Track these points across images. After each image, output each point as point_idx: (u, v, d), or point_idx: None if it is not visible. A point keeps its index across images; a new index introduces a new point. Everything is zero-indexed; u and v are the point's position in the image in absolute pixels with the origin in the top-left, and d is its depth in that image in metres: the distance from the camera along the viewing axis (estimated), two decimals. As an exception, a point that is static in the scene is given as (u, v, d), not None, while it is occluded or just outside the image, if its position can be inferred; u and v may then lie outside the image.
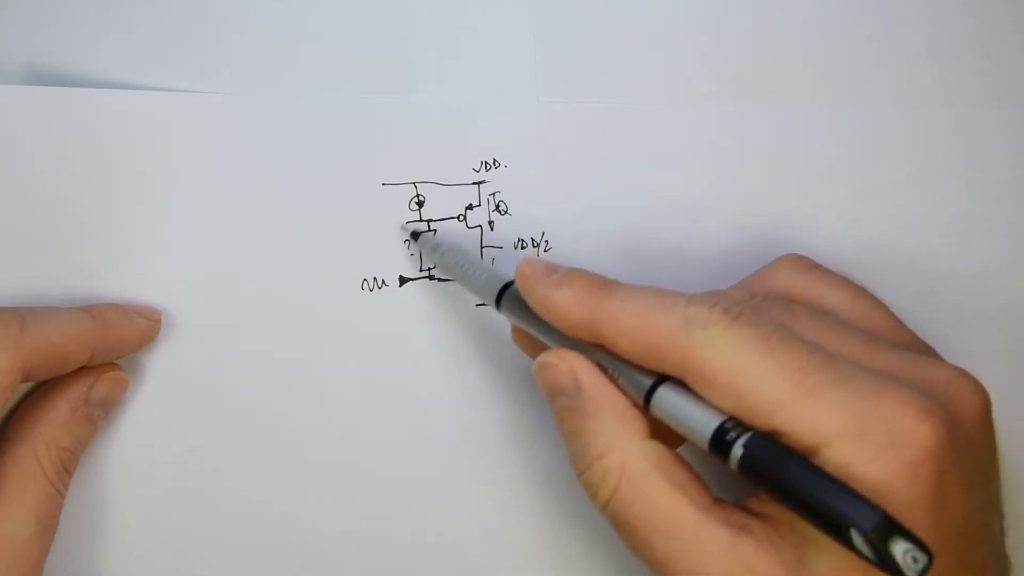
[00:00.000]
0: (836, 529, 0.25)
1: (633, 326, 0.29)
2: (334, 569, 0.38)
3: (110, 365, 0.36)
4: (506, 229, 0.38)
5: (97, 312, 0.35)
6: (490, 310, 0.38)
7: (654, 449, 0.29)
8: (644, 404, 0.29)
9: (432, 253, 0.36)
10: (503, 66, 0.38)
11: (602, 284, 0.30)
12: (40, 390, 0.35)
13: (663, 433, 0.30)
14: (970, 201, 0.39)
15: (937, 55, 0.39)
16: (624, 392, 0.30)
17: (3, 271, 0.36)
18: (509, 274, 0.33)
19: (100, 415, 0.36)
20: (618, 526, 0.29)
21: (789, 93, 0.39)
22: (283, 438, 0.37)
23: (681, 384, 0.29)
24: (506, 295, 0.33)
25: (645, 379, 0.29)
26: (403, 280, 0.38)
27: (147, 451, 0.37)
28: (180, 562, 0.37)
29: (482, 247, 0.38)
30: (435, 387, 0.38)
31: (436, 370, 0.38)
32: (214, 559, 0.37)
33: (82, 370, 0.35)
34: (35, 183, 0.36)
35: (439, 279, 0.38)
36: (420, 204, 0.38)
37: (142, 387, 0.37)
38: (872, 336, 0.30)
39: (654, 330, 0.29)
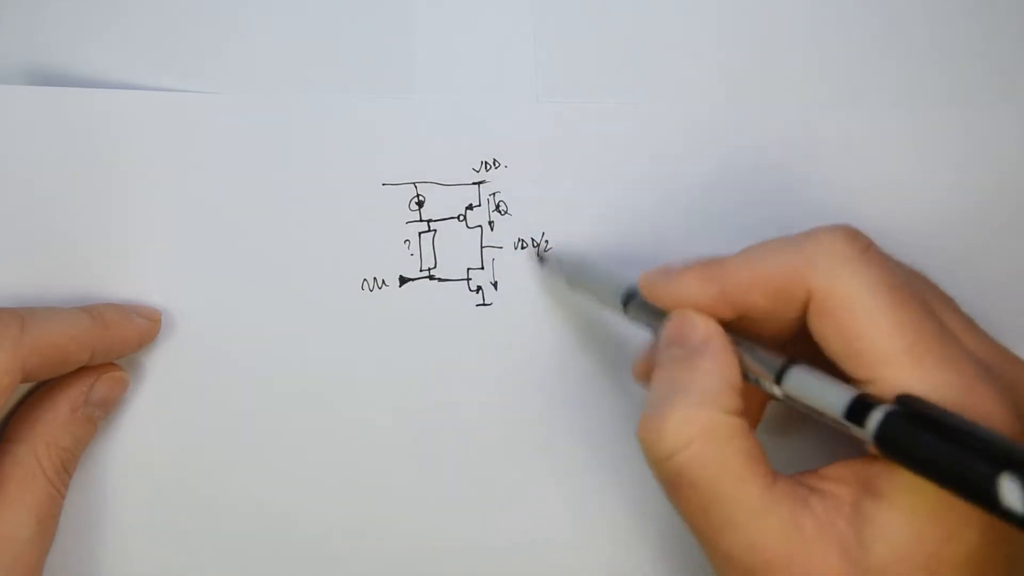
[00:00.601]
0: (983, 491, 0.23)
1: (757, 275, 0.29)
2: (334, 569, 0.38)
3: (110, 365, 0.36)
4: (506, 229, 0.38)
5: (97, 312, 0.35)
6: (489, 310, 0.38)
7: (737, 422, 0.29)
8: (776, 380, 0.29)
9: (557, 268, 0.36)
10: (503, 66, 0.38)
11: (717, 259, 0.30)
12: (40, 390, 0.35)
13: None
14: (974, 202, 0.39)
15: (942, 56, 0.39)
16: (748, 372, 0.30)
17: (3, 271, 0.36)
18: (630, 280, 0.33)
19: (100, 415, 0.36)
20: (676, 485, 0.29)
21: (790, 93, 0.39)
22: (283, 438, 0.37)
23: (810, 365, 0.29)
24: (632, 302, 0.33)
25: (777, 359, 0.29)
26: (403, 280, 0.38)
27: (147, 451, 0.37)
28: (180, 562, 0.37)
29: (482, 247, 0.38)
30: (435, 387, 0.38)
31: (436, 370, 0.38)
32: (214, 559, 0.37)
33: (82, 370, 0.35)
34: (35, 183, 0.36)
35: (439, 279, 0.38)
36: (420, 204, 0.38)
37: (142, 387, 0.37)
38: (969, 316, 0.30)
39: (778, 269, 0.29)
